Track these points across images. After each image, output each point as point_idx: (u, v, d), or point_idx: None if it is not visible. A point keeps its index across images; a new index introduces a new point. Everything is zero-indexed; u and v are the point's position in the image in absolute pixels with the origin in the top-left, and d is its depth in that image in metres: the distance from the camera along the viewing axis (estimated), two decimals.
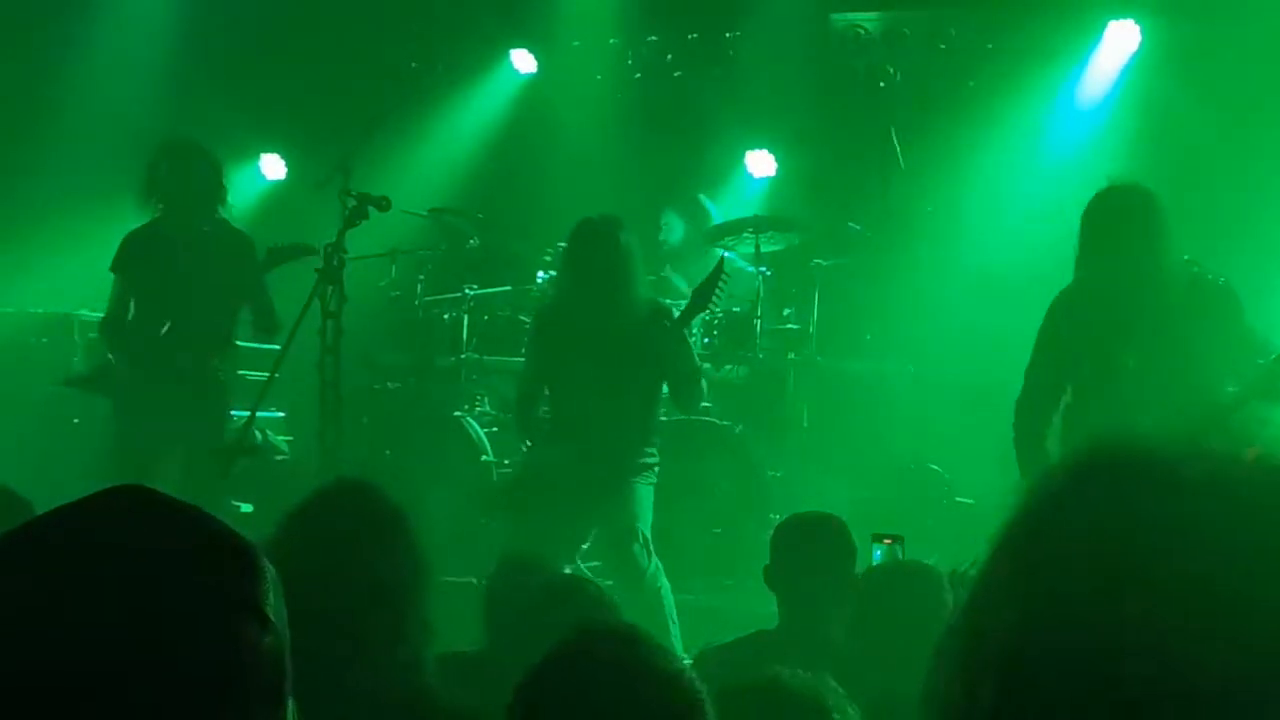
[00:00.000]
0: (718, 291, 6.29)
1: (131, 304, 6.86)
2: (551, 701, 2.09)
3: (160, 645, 1.22)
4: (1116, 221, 5.18)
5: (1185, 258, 5.36)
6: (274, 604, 1.29)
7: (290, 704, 1.30)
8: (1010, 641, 0.92)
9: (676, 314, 6.62)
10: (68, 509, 1.29)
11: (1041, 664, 0.90)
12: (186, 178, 6.76)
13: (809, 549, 4.33)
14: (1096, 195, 5.28)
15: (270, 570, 1.30)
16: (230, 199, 7.10)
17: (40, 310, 8.85)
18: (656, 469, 6.40)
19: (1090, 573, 0.91)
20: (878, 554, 4.55)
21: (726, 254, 8.81)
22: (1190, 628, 0.87)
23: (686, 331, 6.50)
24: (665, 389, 6.50)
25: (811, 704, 2.70)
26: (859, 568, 4.38)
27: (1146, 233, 5.15)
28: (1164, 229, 5.17)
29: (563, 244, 8.24)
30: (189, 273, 6.70)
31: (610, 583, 6.01)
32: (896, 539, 4.56)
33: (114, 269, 6.90)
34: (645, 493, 6.28)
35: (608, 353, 6.21)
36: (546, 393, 6.57)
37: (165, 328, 6.75)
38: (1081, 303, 5.35)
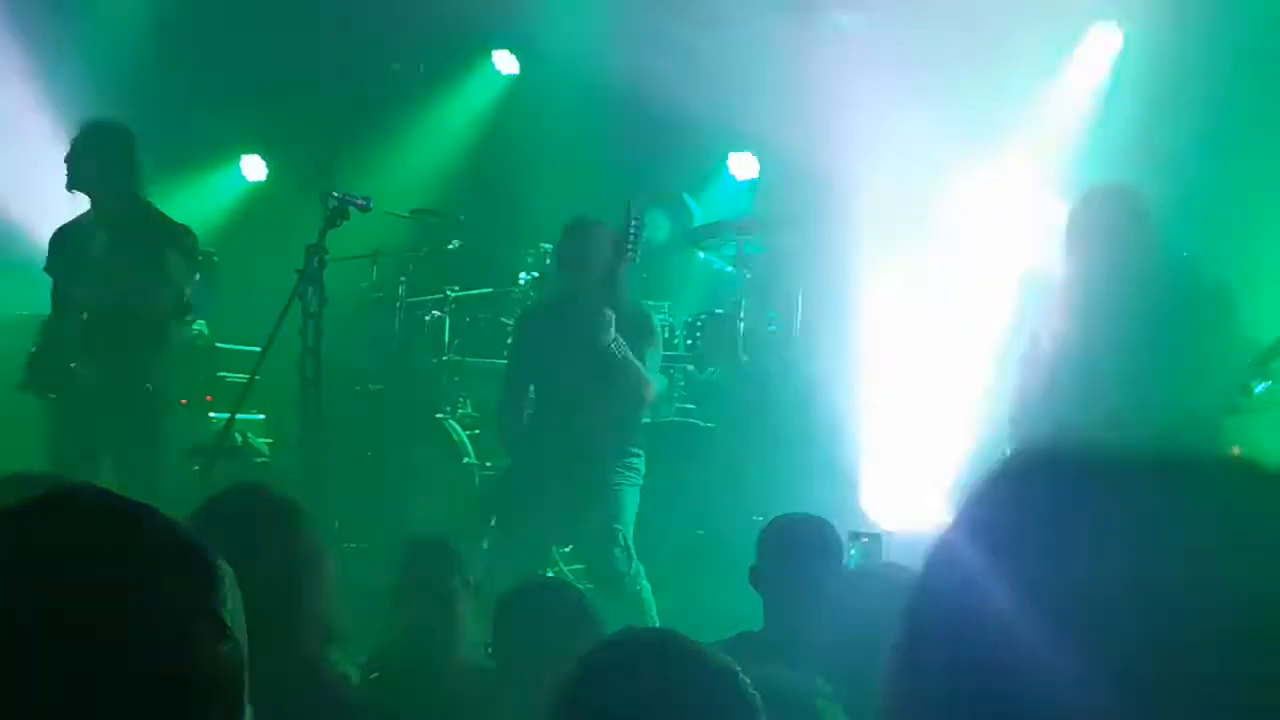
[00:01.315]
0: (632, 240, 6.21)
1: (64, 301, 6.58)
2: (596, 702, 2.05)
3: (117, 654, 1.19)
4: (1103, 220, 5.15)
5: (1184, 254, 5.33)
6: (232, 609, 1.27)
7: (249, 711, 1.27)
8: (951, 626, 0.93)
9: (658, 318, 6.58)
10: (23, 509, 1.26)
11: (982, 645, 0.91)
12: (99, 161, 6.50)
13: (797, 550, 4.30)
14: (1084, 193, 5.26)
15: (229, 574, 1.28)
16: (210, 200, 7.04)
17: (18, 312, 8.80)
18: (641, 471, 6.37)
19: (1018, 570, 0.91)
20: (854, 552, 4.54)
21: (703, 255, 8.82)
22: (1115, 625, 0.87)
23: (653, 337, 6.46)
24: (661, 384, 6.51)
25: (796, 703, 2.68)
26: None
27: (1133, 229, 5.13)
28: (1150, 225, 5.14)
29: (546, 245, 8.25)
30: (104, 262, 6.41)
31: (591, 586, 5.99)
32: (874, 537, 4.56)
33: (45, 269, 6.66)
34: (628, 495, 6.27)
35: (590, 351, 6.19)
36: (531, 393, 6.54)
37: (82, 319, 6.45)
38: (1066, 301, 5.32)
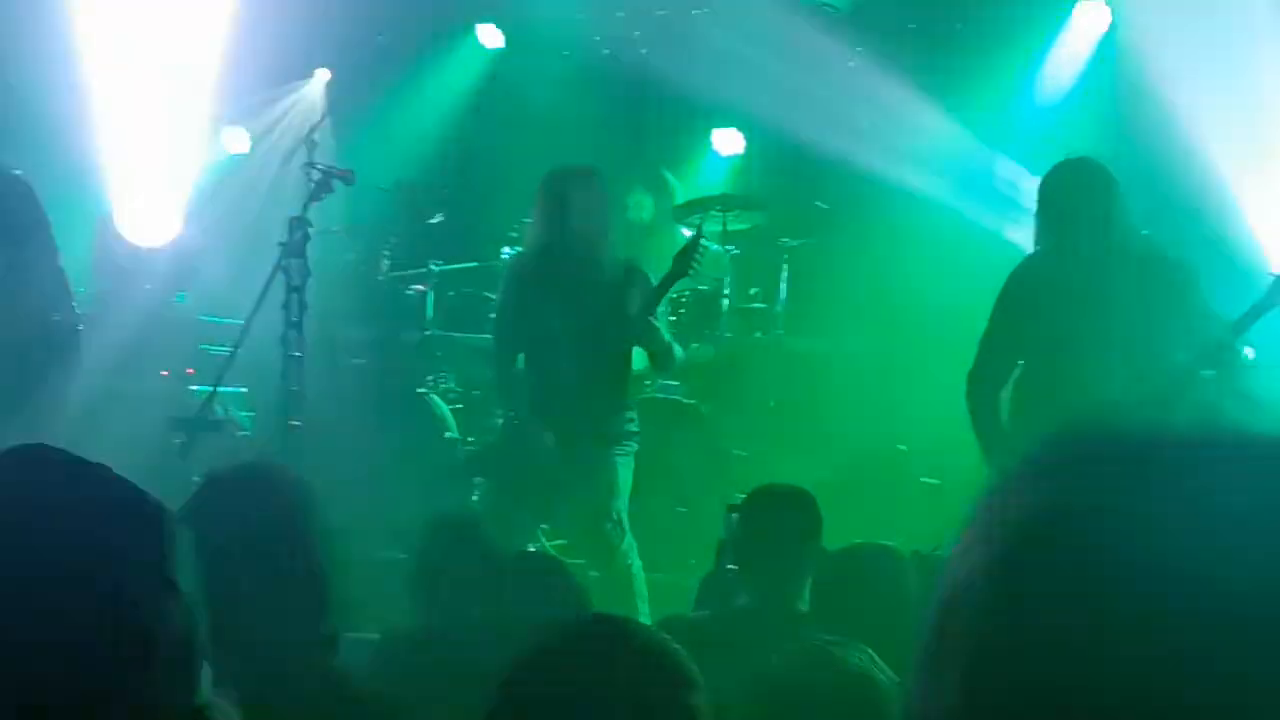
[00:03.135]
0: (696, 259, 6.16)
1: None
2: (537, 685, 2.05)
3: (58, 611, 1.18)
4: (1071, 195, 5.23)
5: (1144, 233, 5.40)
6: (183, 571, 1.26)
7: (205, 668, 1.27)
8: (972, 638, 0.86)
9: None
10: None
11: (1005, 663, 0.84)
12: None
13: (779, 521, 4.28)
14: (1052, 169, 5.34)
15: (182, 534, 1.27)
16: (194, 171, 6.98)
17: None
18: (637, 438, 6.28)
19: (1060, 568, 0.84)
20: (732, 524, 4.50)
21: (688, 231, 8.79)
22: (1163, 637, 0.81)
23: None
24: (640, 362, 6.46)
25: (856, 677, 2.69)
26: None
27: (1102, 206, 5.20)
28: (1118, 202, 5.22)
29: (529, 220, 8.21)
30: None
31: (581, 561, 5.98)
32: None
33: None
34: (624, 466, 6.17)
35: (585, 310, 6.08)
36: (520, 361, 6.42)
37: None
38: (1036, 274, 5.42)
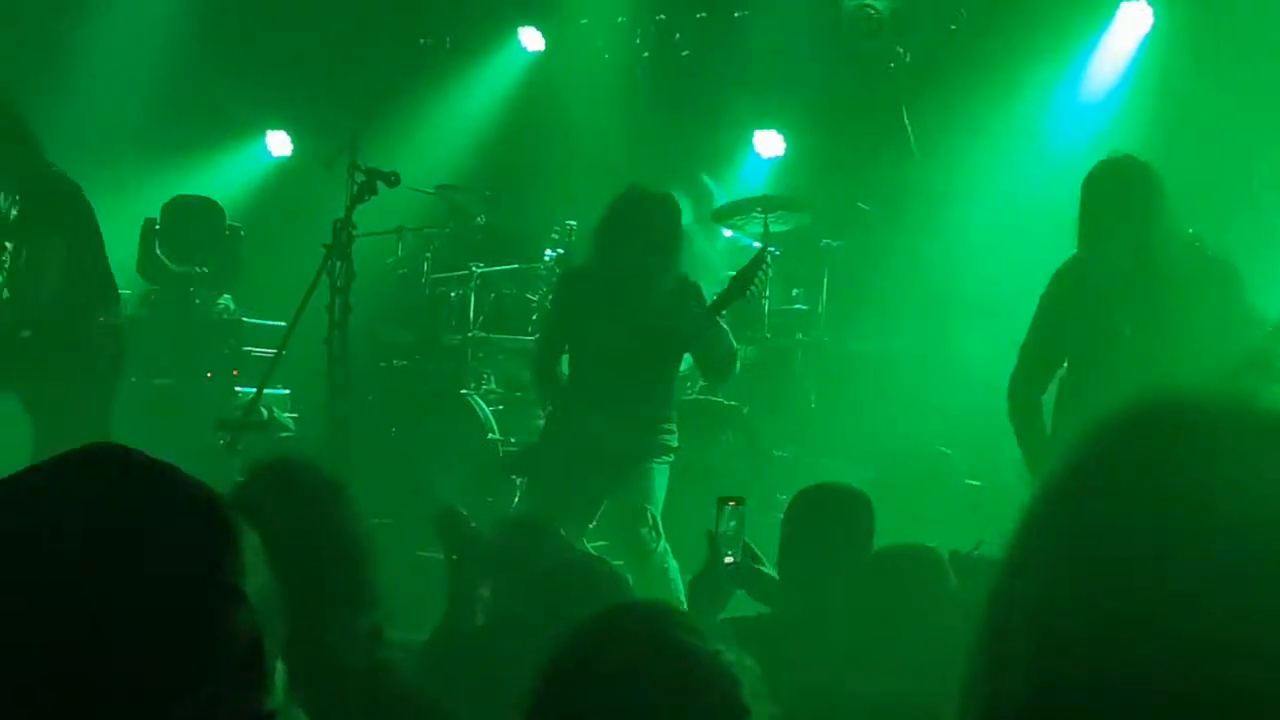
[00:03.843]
0: (759, 279, 6.13)
1: None
2: (581, 677, 2.05)
3: (121, 612, 1.17)
4: (1112, 193, 5.18)
5: (1190, 231, 5.36)
6: (251, 575, 1.24)
7: (279, 670, 1.26)
8: (1044, 620, 0.85)
9: (707, 292, 6.47)
10: (37, 470, 1.25)
11: (1078, 647, 0.83)
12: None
13: (831, 519, 4.25)
14: (1093, 168, 5.29)
15: (249, 538, 1.26)
16: (237, 176, 7.03)
17: None
18: (675, 450, 6.28)
19: (1141, 542, 0.84)
20: (725, 517, 4.48)
21: (733, 233, 8.79)
22: (1253, 610, 0.81)
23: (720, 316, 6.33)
24: (685, 363, 6.47)
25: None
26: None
27: (1143, 204, 5.16)
28: (1161, 200, 5.18)
29: (571, 222, 8.24)
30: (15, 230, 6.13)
31: (620, 562, 5.98)
32: (739, 500, 4.52)
33: None
34: (661, 472, 6.19)
35: (635, 322, 6.06)
36: (565, 356, 6.41)
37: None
38: (1080, 275, 5.37)
